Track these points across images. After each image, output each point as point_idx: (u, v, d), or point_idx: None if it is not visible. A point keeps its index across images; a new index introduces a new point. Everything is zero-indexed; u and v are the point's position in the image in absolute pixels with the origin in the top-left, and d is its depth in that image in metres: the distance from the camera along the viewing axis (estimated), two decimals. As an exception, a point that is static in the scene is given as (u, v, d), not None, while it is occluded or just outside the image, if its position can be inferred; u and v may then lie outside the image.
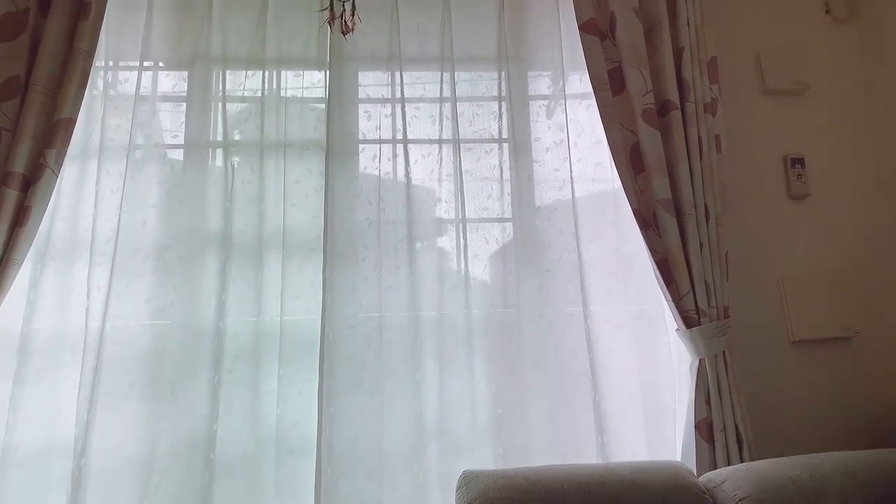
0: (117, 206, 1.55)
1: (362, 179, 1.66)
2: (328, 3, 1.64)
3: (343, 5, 1.64)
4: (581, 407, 1.61)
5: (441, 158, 1.70)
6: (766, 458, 1.36)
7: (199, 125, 1.65)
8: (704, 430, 1.50)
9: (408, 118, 1.70)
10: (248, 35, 1.68)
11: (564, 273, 1.68)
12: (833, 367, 1.74)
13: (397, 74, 1.72)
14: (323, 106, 1.69)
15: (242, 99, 1.69)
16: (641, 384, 1.66)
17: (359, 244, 1.61)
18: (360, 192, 1.65)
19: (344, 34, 1.62)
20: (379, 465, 1.51)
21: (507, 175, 1.72)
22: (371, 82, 1.75)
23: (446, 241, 1.69)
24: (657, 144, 1.61)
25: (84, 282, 1.52)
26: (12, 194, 1.40)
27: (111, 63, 1.66)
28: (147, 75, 1.65)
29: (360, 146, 1.69)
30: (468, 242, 1.66)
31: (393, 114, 1.70)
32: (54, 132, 1.45)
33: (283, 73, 1.70)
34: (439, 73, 1.74)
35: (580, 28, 1.67)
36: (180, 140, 1.64)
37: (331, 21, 1.63)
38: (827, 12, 1.96)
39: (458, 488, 1.28)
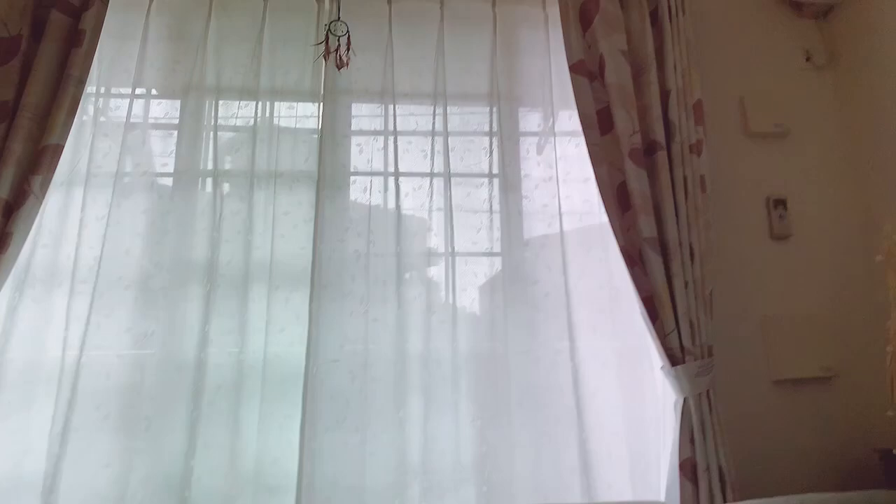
0: (102, 234, 1.53)
1: (352, 211, 1.66)
2: (323, 38, 1.67)
3: (338, 40, 1.67)
4: (566, 446, 1.60)
5: (432, 192, 1.71)
6: (749, 499, 1.36)
7: (190, 154, 1.64)
8: (688, 469, 1.50)
9: (399, 151, 1.71)
10: (242, 66, 1.69)
11: (552, 308, 1.69)
12: (814, 407, 1.75)
13: (390, 107, 1.73)
14: (315, 137, 1.70)
15: (234, 128, 1.69)
16: (627, 422, 1.65)
17: (347, 276, 1.60)
18: (349, 223, 1.65)
19: (339, 68, 1.64)
20: (360, 504, 1.47)
21: (496, 209, 1.74)
22: (364, 113, 1.77)
23: (435, 274, 1.69)
24: (644, 183, 1.64)
25: (63, 310, 1.49)
26: (-6, 220, 1.38)
27: (103, 89, 1.66)
28: (139, 103, 1.65)
29: (352, 178, 1.70)
30: (456, 276, 1.66)
31: (385, 147, 1.71)
32: (41, 158, 1.44)
33: (276, 104, 1.71)
34: (432, 108, 1.76)
35: (570, 69, 1.71)
36: (170, 168, 1.63)
37: (326, 55, 1.65)
38: (807, 60, 2.03)
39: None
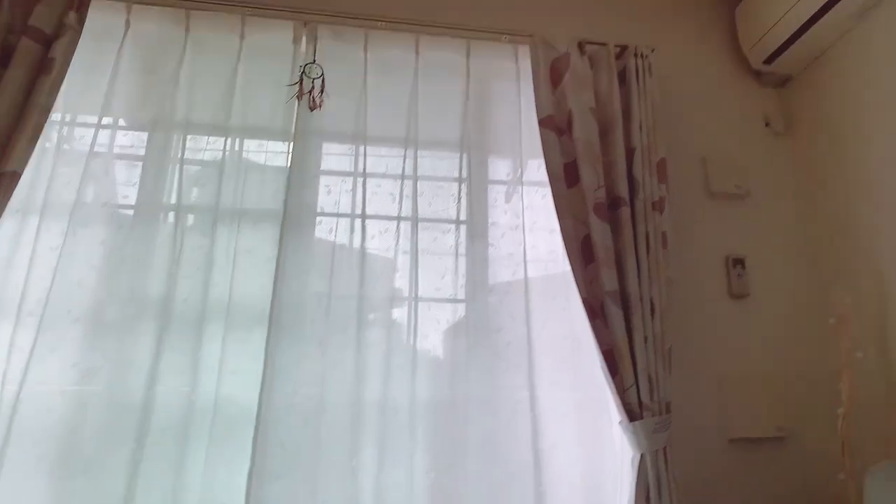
0: (54, 265, 1.48)
1: (316, 252, 1.64)
2: (297, 79, 1.68)
3: (313, 82, 1.68)
4: (522, 499, 1.57)
5: (398, 236, 1.71)
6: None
7: (154, 186, 1.61)
8: (644, 527, 1.48)
9: (368, 194, 1.71)
10: (214, 102, 1.68)
11: (513, 357, 1.68)
12: (769, 467, 1.76)
13: (361, 149, 1.74)
14: (284, 175, 1.69)
15: (201, 162, 1.67)
16: (585, 476, 1.63)
17: (306, 319, 1.57)
18: (312, 264, 1.63)
19: (311, 109, 1.66)
20: (307, 556, 1.42)
21: (462, 256, 1.74)
22: (335, 152, 1.77)
23: (398, 317, 1.67)
24: (607, 237, 1.67)
25: (6, 342, 1.43)
26: (-61, 247, 1.33)
27: (68, 117, 1.63)
28: (105, 132, 1.62)
29: (318, 218, 1.69)
30: (419, 322, 1.65)
31: (354, 188, 1.72)
32: (-4, 184, 1.40)
33: (245, 140, 1.70)
34: (402, 151, 1.77)
35: (539, 123, 1.76)
36: (132, 200, 1.60)
37: (299, 96, 1.66)
38: (767, 125, 2.13)
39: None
